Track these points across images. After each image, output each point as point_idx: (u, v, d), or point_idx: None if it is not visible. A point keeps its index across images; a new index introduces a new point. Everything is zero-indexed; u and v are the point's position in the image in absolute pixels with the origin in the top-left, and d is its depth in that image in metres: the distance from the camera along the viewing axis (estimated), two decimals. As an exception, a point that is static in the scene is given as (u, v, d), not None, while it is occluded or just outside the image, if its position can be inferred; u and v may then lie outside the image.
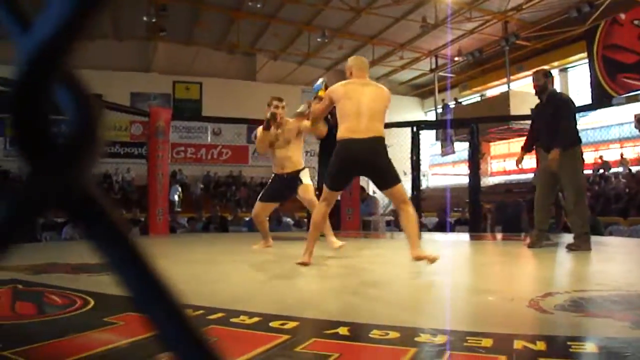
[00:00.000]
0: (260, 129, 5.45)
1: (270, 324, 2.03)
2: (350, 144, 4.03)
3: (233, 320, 2.10)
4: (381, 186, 4.17)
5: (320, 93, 4.43)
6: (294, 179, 5.47)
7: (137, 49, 21.11)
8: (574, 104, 5.83)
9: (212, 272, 3.91)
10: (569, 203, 5.48)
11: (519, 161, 6.00)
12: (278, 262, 4.78)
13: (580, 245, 5.22)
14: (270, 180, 5.75)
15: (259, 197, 5.75)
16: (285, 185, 5.52)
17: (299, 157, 5.66)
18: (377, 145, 4.05)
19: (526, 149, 6.01)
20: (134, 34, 20.00)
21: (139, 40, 20.68)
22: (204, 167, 21.95)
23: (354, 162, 4.08)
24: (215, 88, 21.69)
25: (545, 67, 8.42)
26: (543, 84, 5.73)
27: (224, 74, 22.41)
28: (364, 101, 4.10)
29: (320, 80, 4.67)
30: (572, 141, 5.45)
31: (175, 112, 16.26)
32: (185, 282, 3.38)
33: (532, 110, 6.19)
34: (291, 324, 2.03)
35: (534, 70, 6.22)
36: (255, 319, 2.11)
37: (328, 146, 9.53)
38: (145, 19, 17.49)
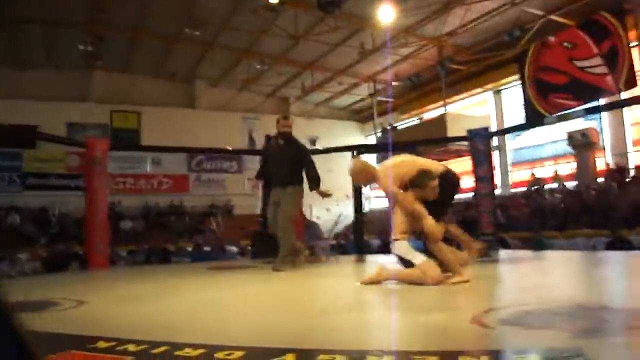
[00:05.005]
0: None
1: (216, 355, 1.98)
2: None
3: (178, 353, 2.04)
4: None
5: None
6: None
7: (73, 78, 20.47)
8: None
9: (155, 304, 3.81)
10: (281, 229, 6.39)
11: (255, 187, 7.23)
12: (219, 289, 4.70)
13: (281, 267, 6.12)
14: None
15: None
16: None
17: None
18: None
19: (259, 178, 7.19)
20: (70, 62, 19.49)
21: (75, 69, 20.14)
22: (143, 198, 21.49)
23: None
24: (154, 116, 21.35)
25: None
26: (291, 130, 6.76)
27: (162, 102, 22.14)
28: None
29: None
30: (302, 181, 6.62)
31: (113, 142, 15.94)
32: (129, 314, 3.29)
33: (266, 148, 7.26)
34: (237, 354, 1.98)
35: (283, 116, 7.17)
36: (200, 351, 2.05)
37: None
38: (81, 47, 17.14)
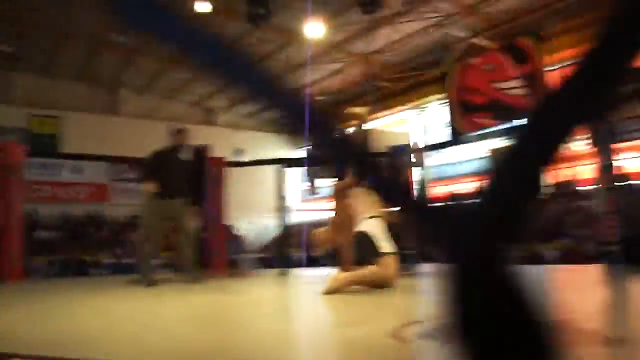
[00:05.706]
0: None
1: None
2: None
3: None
4: None
5: None
6: None
7: (-11, 79, 19.58)
8: None
9: (70, 319, 3.70)
10: (183, 243, 6.52)
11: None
12: (136, 303, 4.61)
13: (196, 278, 6.33)
14: None
15: None
16: None
17: None
18: None
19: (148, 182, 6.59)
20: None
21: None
22: (61, 206, 20.62)
23: None
24: (76, 122, 20.54)
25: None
26: (189, 143, 7.01)
27: (85, 107, 21.40)
28: None
29: None
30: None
31: (32, 148, 15.36)
32: (43, 329, 3.17)
33: (160, 153, 6.97)
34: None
35: (182, 129, 7.19)
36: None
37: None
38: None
